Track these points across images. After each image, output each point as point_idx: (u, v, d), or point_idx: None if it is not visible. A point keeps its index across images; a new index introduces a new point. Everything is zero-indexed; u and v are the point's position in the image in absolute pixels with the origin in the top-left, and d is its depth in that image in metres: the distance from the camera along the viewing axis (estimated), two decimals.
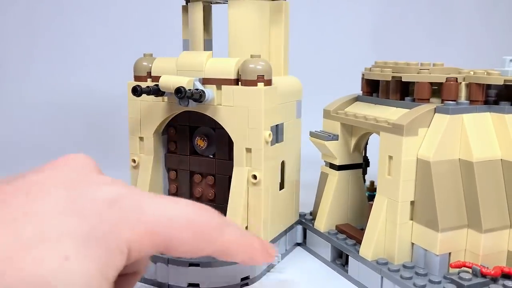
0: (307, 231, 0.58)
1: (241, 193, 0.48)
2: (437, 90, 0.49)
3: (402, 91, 0.51)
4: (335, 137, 0.54)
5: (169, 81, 0.47)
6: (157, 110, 0.52)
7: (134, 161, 0.55)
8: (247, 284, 0.49)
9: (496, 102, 0.47)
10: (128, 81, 0.53)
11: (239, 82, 0.48)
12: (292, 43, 0.59)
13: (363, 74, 0.56)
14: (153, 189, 0.54)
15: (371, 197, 0.57)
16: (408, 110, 0.47)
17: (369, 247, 0.47)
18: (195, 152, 0.54)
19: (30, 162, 0.93)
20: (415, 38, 1.27)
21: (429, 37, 1.30)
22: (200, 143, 0.53)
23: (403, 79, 0.49)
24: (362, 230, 0.51)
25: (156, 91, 0.49)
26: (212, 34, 0.58)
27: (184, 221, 0.21)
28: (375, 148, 0.51)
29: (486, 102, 0.47)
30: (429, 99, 0.48)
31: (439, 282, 0.43)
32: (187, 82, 0.47)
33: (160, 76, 0.48)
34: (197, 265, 0.47)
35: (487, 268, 0.42)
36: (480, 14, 1.35)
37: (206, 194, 0.54)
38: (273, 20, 0.55)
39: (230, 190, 0.49)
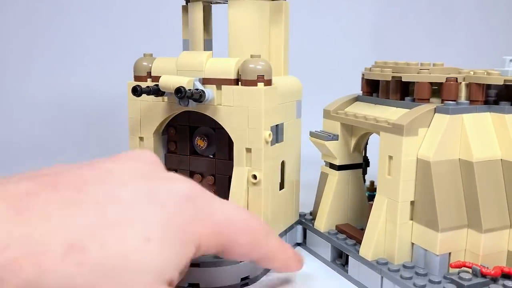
0: (307, 231, 0.58)
1: (241, 193, 0.48)
2: (437, 90, 0.49)
3: (402, 91, 0.51)
4: (335, 137, 0.54)
5: (169, 81, 0.47)
6: (157, 110, 0.52)
7: None
8: (247, 284, 0.49)
9: (496, 102, 0.47)
10: (128, 81, 0.53)
11: (239, 82, 0.48)
12: (292, 43, 0.59)
13: (363, 74, 0.56)
14: None
15: (371, 197, 0.57)
16: (408, 110, 0.47)
17: (369, 247, 0.47)
18: (195, 152, 0.54)
19: (30, 162, 0.94)
20: (415, 38, 1.27)
21: (429, 37, 1.30)
22: (200, 143, 0.53)
23: (403, 79, 0.49)
24: (362, 230, 0.51)
25: (156, 91, 0.49)
26: (212, 34, 0.58)
27: (244, 226, 0.22)
28: (375, 148, 0.51)
29: (486, 102, 0.47)
30: (429, 99, 0.48)
31: (439, 282, 0.43)
32: (187, 82, 0.47)
33: (160, 76, 0.48)
34: (197, 265, 0.47)
35: (487, 268, 0.42)
36: (480, 14, 1.35)
37: None
38: (273, 20, 0.55)
39: (230, 190, 0.49)
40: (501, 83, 0.45)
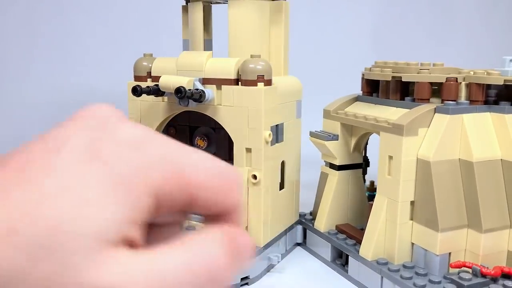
0: (307, 231, 0.58)
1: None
2: (437, 90, 0.49)
3: (402, 91, 0.51)
4: (335, 137, 0.54)
5: (169, 81, 0.47)
6: (157, 110, 0.52)
7: None
8: (247, 284, 0.49)
9: (496, 102, 0.47)
10: (128, 81, 0.53)
11: (239, 82, 0.48)
12: (292, 43, 0.59)
13: (363, 74, 0.56)
14: None
15: (371, 197, 0.57)
16: (408, 110, 0.47)
17: (369, 247, 0.47)
18: None
19: None
20: (415, 38, 1.27)
21: (429, 37, 1.30)
22: (200, 143, 0.53)
23: (403, 79, 0.49)
24: (362, 230, 0.51)
25: (156, 91, 0.49)
26: (212, 34, 0.58)
27: (210, 165, 0.20)
28: (375, 148, 0.51)
29: (486, 102, 0.47)
30: (429, 99, 0.48)
31: (439, 282, 0.43)
32: (187, 82, 0.47)
33: (160, 76, 0.48)
34: None
35: (487, 268, 0.42)
36: (480, 14, 1.35)
37: None
38: (273, 20, 0.55)
39: None
40: (501, 83, 0.45)
